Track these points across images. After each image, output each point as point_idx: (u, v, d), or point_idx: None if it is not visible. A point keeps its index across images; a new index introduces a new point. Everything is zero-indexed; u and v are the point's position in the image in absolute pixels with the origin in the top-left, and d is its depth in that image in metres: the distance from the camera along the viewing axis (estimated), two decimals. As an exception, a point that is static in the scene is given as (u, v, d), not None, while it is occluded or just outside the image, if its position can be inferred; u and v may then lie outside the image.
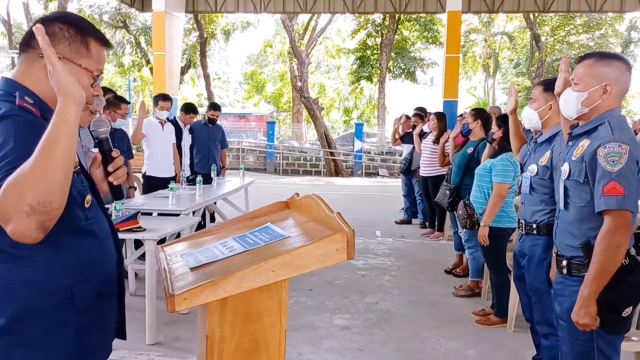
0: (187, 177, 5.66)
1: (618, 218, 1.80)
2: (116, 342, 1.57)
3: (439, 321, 3.89)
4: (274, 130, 18.54)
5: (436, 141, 6.22)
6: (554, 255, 2.15)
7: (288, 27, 18.29)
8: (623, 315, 1.87)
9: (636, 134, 4.38)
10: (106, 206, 1.55)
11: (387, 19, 20.97)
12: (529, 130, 3.24)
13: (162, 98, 5.66)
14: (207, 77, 22.30)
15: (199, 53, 21.91)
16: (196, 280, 1.38)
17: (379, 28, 22.05)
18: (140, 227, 3.43)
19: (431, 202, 6.36)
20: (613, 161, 1.81)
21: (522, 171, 3.02)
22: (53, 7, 21.63)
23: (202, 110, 10.80)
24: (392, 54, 22.73)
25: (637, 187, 1.83)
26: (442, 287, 4.69)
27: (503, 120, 3.64)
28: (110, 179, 1.47)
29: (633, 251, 1.92)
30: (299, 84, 18.59)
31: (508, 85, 19.91)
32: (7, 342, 1.26)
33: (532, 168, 2.60)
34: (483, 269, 4.35)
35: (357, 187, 13.39)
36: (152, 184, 5.45)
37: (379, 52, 22.37)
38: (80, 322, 1.34)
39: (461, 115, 6.44)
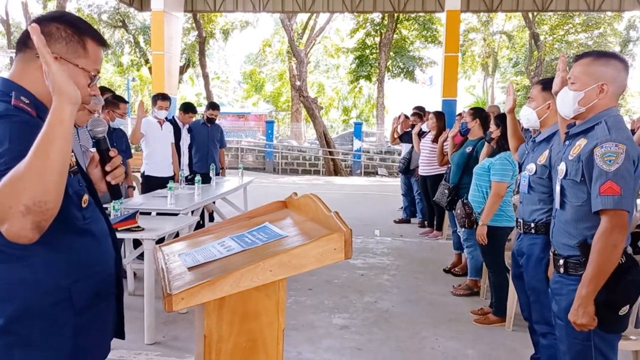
0: (186, 177, 5.66)
1: (615, 218, 1.81)
2: (115, 342, 1.57)
3: (438, 320, 3.89)
4: (272, 130, 18.51)
5: (435, 140, 6.22)
6: (551, 254, 2.15)
7: (287, 27, 18.26)
8: (620, 313, 1.88)
9: (634, 132, 4.38)
10: (105, 206, 1.55)
11: (386, 18, 20.97)
12: (528, 129, 3.24)
13: (161, 97, 5.67)
14: (206, 77, 22.27)
15: (197, 52, 21.90)
16: (194, 280, 1.38)
17: (377, 27, 22.04)
18: (138, 227, 3.43)
19: (430, 201, 6.36)
20: (610, 161, 1.81)
21: (520, 170, 3.02)
22: (52, 7, 21.64)
23: (201, 109, 10.81)
24: (391, 53, 22.72)
25: (634, 187, 1.84)
26: (440, 286, 4.69)
27: (501, 119, 3.64)
28: (108, 178, 1.47)
29: (630, 250, 1.92)
30: (298, 83, 18.56)
31: (507, 84, 19.94)
32: (6, 342, 1.26)
33: (531, 167, 2.61)
34: (482, 268, 4.35)
35: (356, 186, 13.40)
36: (151, 184, 5.45)
37: (377, 51, 22.36)
38: (79, 322, 1.34)
39: (460, 114, 6.43)
